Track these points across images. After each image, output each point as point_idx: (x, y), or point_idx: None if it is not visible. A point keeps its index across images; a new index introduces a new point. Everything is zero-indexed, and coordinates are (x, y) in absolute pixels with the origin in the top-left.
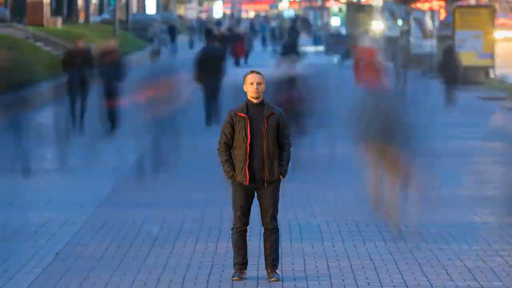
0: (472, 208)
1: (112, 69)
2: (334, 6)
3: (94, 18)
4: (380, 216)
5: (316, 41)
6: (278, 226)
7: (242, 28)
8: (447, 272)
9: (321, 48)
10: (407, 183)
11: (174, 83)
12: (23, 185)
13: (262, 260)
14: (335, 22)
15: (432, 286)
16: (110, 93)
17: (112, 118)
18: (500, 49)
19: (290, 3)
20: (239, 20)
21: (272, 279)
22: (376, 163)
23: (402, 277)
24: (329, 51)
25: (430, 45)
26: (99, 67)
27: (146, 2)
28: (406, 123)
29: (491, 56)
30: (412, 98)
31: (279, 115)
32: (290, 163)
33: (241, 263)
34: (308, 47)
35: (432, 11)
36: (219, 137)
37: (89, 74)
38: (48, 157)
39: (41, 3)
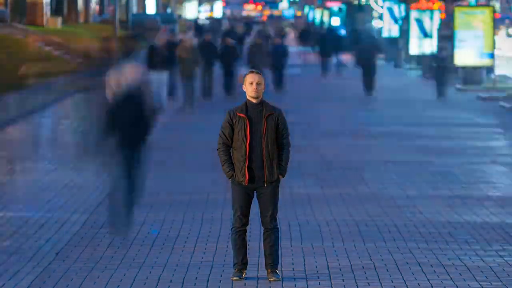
0: (472, 208)
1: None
2: (334, 6)
3: (94, 18)
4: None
5: None
6: (278, 226)
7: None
8: (447, 272)
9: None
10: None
11: None
12: (23, 185)
13: (262, 260)
14: (335, 22)
15: (432, 286)
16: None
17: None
18: None
19: (291, 3)
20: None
21: (272, 279)
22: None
23: (402, 277)
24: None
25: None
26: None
27: (146, 2)
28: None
29: (491, 56)
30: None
31: (278, 115)
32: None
33: (241, 263)
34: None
35: (432, 10)
36: (218, 137)
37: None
38: None
39: (41, 3)
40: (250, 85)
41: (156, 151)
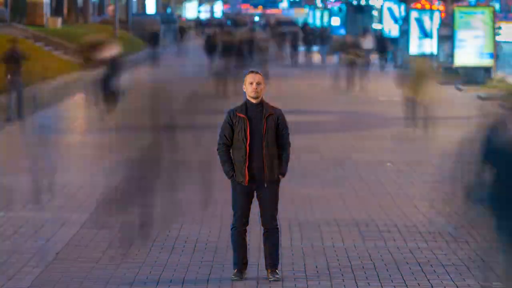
0: (472, 208)
1: None
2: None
3: (94, 18)
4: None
5: None
6: (278, 226)
7: None
8: (447, 272)
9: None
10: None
11: None
12: (23, 184)
13: (262, 260)
14: (335, 22)
15: (432, 286)
16: None
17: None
18: None
19: (291, 3)
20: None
21: (272, 279)
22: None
23: (402, 277)
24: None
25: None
26: None
27: (146, 2)
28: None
29: (491, 56)
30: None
31: (278, 115)
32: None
33: (241, 263)
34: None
35: (432, 10)
36: (218, 138)
37: None
38: None
39: (41, 3)
40: (250, 85)
41: (156, 151)
